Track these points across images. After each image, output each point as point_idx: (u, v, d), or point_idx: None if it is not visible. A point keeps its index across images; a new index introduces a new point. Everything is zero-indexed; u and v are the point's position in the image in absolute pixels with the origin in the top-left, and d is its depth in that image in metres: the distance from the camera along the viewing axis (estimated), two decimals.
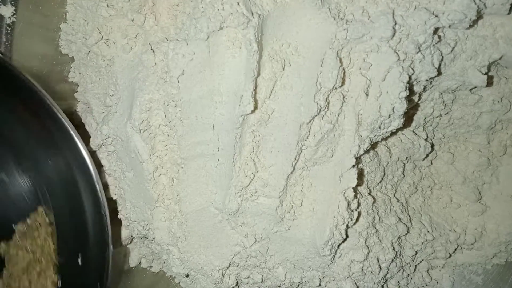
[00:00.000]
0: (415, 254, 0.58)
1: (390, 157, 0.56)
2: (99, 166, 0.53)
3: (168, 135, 0.48)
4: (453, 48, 0.46)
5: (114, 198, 0.54)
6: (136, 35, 0.48)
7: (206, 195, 0.49)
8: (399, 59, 0.43)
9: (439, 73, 0.47)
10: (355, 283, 0.55)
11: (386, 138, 0.54)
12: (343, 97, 0.45)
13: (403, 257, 0.57)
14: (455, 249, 0.61)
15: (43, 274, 0.44)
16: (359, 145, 0.47)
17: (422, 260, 0.61)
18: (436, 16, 0.42)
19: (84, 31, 0.49)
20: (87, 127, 0.54)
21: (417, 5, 0.42)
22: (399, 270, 0.58)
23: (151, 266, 0.62)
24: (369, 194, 0.54)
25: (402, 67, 0.43)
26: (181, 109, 0.45)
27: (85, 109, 0.54)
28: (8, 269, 0.44)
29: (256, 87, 0.44)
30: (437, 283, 0.65)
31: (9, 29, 0.45)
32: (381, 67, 0.44)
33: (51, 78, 0.52)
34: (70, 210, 0.45)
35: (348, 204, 0.48)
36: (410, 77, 0.44)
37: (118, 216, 0.55)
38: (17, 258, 0.44)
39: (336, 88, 0.44)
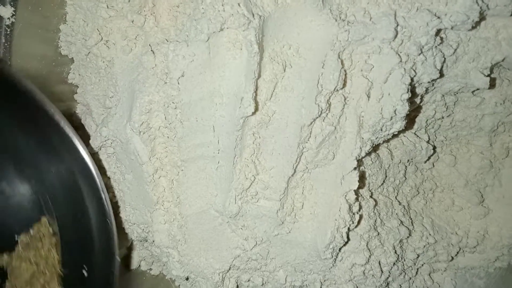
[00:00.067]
0: (417, 257, 0.58)
1: (392, 159, 0.56)
2: (99, 168, 0.53)
3: (168, 137, 0.48)
4: (455, 50, 0.46)
5: (114, 200, 0.54)
6: (136, 36, 0.48)
7: (206, 197, 0.49)
8: (401, 61, 0.43)
9: (441, 75, 0.47)
10: (357, 287, 0.55)
11: (387, 141, 0.54)
12: (345, 99, 0.45)
13: (404, 260, 0.57)
14: (457, 252, 0.61)
15: (47, 286, 0.42)
16: (360, 148, 0.46)
17: (424, 263, 0.61)
18: (438, 17, 0.42)
19: (84, 32, 0.49)
20: (86, 129, 0.53)
21: (419, 6, 0.42)
22: (400, 274, 0.58)
23: (150, 269, 0.62)
24: (371, 196, 0.54)
25: (404, 69, 0.43)
26: (181, 111, 0.45)
27: (84, 111, 0.54)
28: (11, 282, 0.43)
29: (256, 89, 0.44)
30: (439, 286, 0.64)
31: (8, 30, 0.45)
32: (383, 69, 0.44)
33: (51, 80, 0.52)
34: (74, 219, 0.44)
35: (350, 207, 0.48)
36: (412, 79, 0.44)
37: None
38: (20, 270, 0.43)
39: (337, 90, 0.44)
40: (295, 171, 0.47)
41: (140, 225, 0.53)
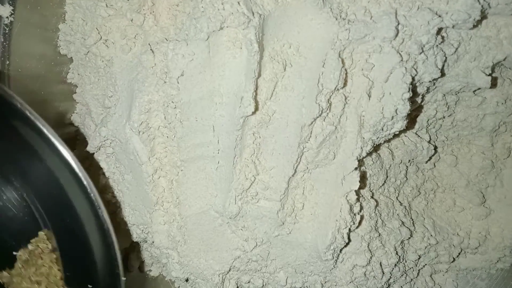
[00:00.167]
0: (418, 259, 0.58)
1: (393, 159, 0.55)
2: (98, 168, 0.52)
3: (167, 136, 0.48)
4: (457, 49, 0.46)
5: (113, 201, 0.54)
6: (136, 36, 0.48)
7: (206, 198, 0.49)
8: (402, 60, 0.43)
9: (443, 74, 0.47)
10: None
11: (388, 140, 0.54)
12: (345, 99, 0.45)
13: (406, 261, 0.57)
14: (459, 254, 0.61)
15: None
16: (361, 147, 0.46)
17: (426, 264, 0.61)
18: (440, 16, 0.41)
19: (83, 32, 0.49)
20: (85, 129, 0.53)
21: (420, 5, 0.42)
22: (402, 275, 0.58)
23: (150, 270, 0.61)
24: (372, 197, 0.54)
25: (405, 68, 0.43)
26: (181, 111, 0.45)
27: (83, 111, 0.54)
28: None
29: (257, 88, 0.43)
30: (441, 287, 0.64)
31: (7, 29, 0.45)
32: (384, 68, 0.43)
33: (50, 79, 0.51)
34: (69, 231, 0.41)
35: (351, 208, 0.48)
36: (413, 78, 0.44)
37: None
38: None
39: (338, 89, 0.44)
40: (295, 171, 0.47)
41: (140, 226, 0.52)
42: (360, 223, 0.51)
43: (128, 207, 0.52)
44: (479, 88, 0.50)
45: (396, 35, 0.42)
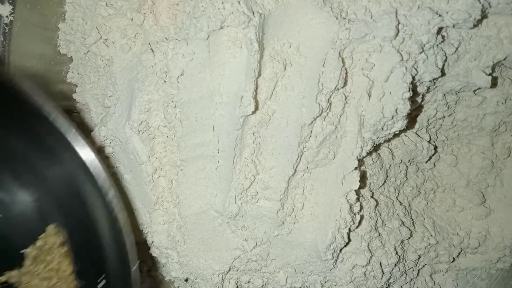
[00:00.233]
0: (418, 258, 0.58)
1: (393, 159, 0.55)
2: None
3: (167, 136, 0.47)
4: (457, 48, 0.46)
5: None
6: (135, 35, 0.47)
7: (205, 197, 0.48)
8: (402, 59, 0.43)
9: (443, 73, 0.47)
10: None
11: (388, 140, 0.54)
12: (345, 98, 0.45)
13: (406, 261, 0.57)
14: (459, 253, 0.61)
15: None
16: (361, 147, 0.46)
17: (425, 264, 0.60)
18: (440, 15, 0.41)
19: (83, 31, 0.49)
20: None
21: (421, 4, 0.42)
22: (402, 275, 0.58)
23: (149, 270, 0.61)
24: (372, 197, 0.54)
25: (406, 68, 0.43)
26: (181, 110, 0.45)
27: (83, 110, 0.54)
28: None
29: (257, 87, 0.43)
30: (441, 287, 0.64)
31: (7, 28, 0.45)
32: (384, 67, 0.43)
33: (49, 79, 0.51)
34: (82, 224, 0.40)
35: (351, 207, 0.48)
36: (413, 78, 0.44)
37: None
38: (31, 287, 0.40)
39: (338, 88, 0.43)
40: (295, 171, 0.47)
41: (139, 225, 0.52)
42: (360, 223, 0.51)
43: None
44: (479, 88, 0.50)
45: (397, 34, 0.42)
